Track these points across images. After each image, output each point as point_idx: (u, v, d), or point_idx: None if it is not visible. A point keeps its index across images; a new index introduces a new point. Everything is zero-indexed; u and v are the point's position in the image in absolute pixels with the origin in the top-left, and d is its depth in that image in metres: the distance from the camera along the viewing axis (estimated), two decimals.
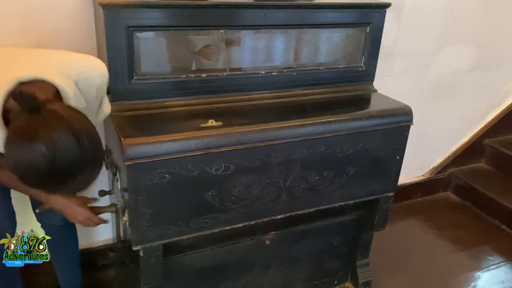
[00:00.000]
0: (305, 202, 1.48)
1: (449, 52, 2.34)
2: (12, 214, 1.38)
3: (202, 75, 1.43)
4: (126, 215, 1.26)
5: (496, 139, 2.77)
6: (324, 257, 1.80)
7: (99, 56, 1.52)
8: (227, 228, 1.38)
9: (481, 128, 2.74)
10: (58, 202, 1.29)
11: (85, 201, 1.36)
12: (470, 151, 2.75)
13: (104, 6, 1.22)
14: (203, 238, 1.37)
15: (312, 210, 1.51)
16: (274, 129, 1.34)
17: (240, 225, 1.40)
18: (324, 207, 1.54)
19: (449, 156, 2.73)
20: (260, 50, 1.54)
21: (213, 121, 1.30)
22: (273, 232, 1.60)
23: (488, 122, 2.74)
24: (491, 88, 2.63)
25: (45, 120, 0.86)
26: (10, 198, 1.37)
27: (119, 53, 1.28)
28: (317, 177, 1.45)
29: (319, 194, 1.49)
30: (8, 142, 0.86)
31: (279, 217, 1.46)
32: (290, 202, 1.44)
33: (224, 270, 1.59)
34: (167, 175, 1.21)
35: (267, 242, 1.60)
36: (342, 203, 1.57)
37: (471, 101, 2.59)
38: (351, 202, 1.60)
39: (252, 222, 1.42)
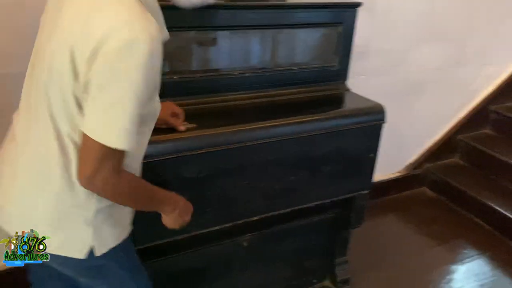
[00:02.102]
0: (281, 203, 1.48)
1: (420, 50, 2.38)
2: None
3: (175, 77, 1.41)
4: None
5: (468, 135, 2.83)
6: (302, 256, 1.81)
7: None
8: (203, 231, 1.37)
9: (454, 125, 2.80)
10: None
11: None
12: (444, 147, 2.81)
13: None
14: (180, 241, 1.36)
15: (288, 210, 1.52)
16: (248, 130, 1.34)
17: (217, 227, 1.39)
18: (301, 206, 1.54)
19: (424, 153, 2.78)
20: (234, 51, 1.53)
21: (187, 123, 1.29)
22: (250, 234, 1.60)
23: (461, 119, 2.80)
24: (461, 85, 2.69)
25: None
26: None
27: None
28: (292, 177, 1.46)
29: (295, 194, 1.49)
30: None
31: (255, 218, 1.46)
32: (266, 203, 1.44)
33: (202, 273, 1.58)
34: None
35: (245, 243, 1.60)
36: (318, 202, 1.58)
37: (443, 98, 2.65)
38: (327, 201, 1.61)
39: (228, 225, 1.41)
